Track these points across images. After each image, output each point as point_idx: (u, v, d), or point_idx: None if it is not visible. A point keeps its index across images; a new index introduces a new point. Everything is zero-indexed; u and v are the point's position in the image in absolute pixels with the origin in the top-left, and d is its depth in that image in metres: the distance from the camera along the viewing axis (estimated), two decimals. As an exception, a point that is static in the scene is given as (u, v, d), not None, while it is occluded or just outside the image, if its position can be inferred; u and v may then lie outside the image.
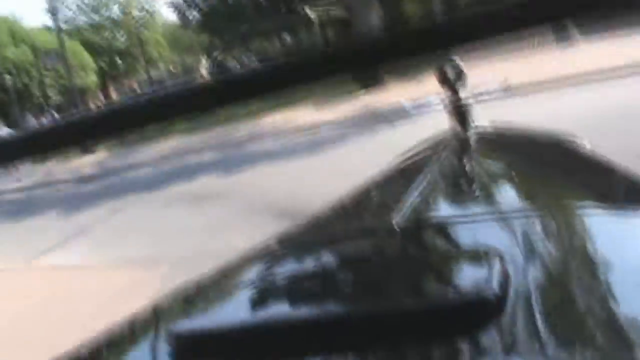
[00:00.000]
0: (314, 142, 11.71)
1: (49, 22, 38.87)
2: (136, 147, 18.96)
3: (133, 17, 64.61)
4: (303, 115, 16.16)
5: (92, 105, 65.88)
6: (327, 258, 1.01)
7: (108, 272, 7.67)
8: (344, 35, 32.74)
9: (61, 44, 23.55)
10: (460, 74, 1.79)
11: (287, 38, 45.99)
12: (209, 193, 9.96)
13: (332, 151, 10.79)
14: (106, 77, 64.03)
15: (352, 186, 1.50)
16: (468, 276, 0.77)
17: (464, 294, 0.70)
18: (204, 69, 42.08)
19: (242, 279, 0.99)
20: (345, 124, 13.12)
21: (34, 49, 36.47)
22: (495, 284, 0.69)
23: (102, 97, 66.95)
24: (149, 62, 65.80)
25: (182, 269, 6.67)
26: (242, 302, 0.87)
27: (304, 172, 9.71)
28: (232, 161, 12.13)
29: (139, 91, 60.64)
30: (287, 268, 0.99)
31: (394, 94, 14.51)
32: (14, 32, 49.92)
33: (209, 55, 43.00)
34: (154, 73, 68.53)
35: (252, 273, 1.01)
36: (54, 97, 45.61)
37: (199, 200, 9.61)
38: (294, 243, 1.18)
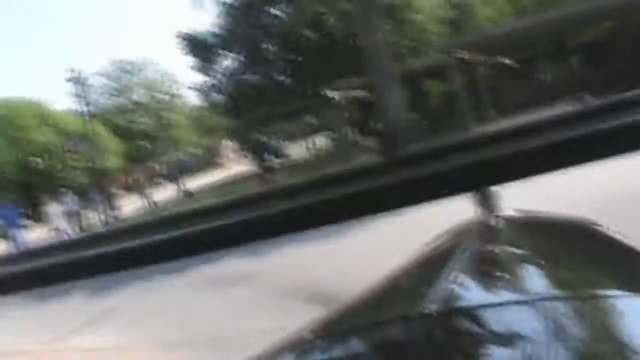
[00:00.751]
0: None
1: (75, 105, 39.56)
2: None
3: (158, 101, 65.70)
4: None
5: (115, 188, 66.78)
6: (362, 348, 1.02)
7: (133, 353, 7.63)
8: (367, 116, 33.05)
9: (85, 127, 23.74)
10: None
11: (310, 119, 46.52)
12: (234, 275, 9.92)
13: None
14: (130, 159, 64.70)
15: (381, 274, 1.52)
16: None
17: None
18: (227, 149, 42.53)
19: None
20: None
21: (58, 132, 36.98)
22: None
23: (125, 180, 67.77)
24: (174, 145, 66.62)
25: (206, 351, 6.64)
26: None
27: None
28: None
29: (162, 173, 61.32)
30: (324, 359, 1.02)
31: None
32: (41, 116, 50.80)
33: (232, 138, 43.45)
34: (177, 155, 69.36)
35: None
36: (78, 178, 46.01)
37: (225, 283, 9.56)
38: (327, 333, 1.18)
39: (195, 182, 39.62)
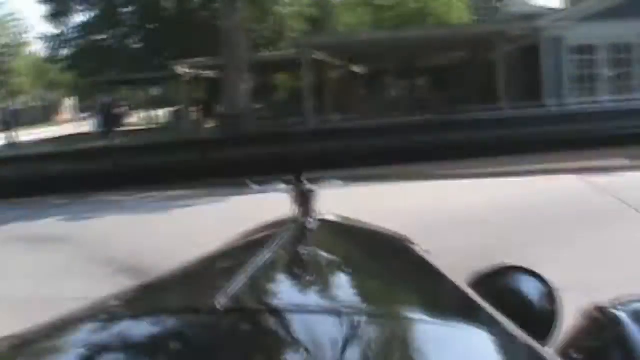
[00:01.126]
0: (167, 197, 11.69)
1: None
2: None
3: (1, 44, 62.74)
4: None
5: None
6: (137, 331, 1.03)
7: None
8: (213, 98, 32.92)
9: None
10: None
11: (154, 91, 45.83)
12: (51, 237, 9.75)
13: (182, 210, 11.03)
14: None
15: (188, 257, 1.51)
16: None
17: None
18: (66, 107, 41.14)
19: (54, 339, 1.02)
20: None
21: None
22: None
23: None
24: (12, 93, 63.88)
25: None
26: None
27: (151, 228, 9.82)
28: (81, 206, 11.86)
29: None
30: (96, 336, 1.02)
31: None
32: None
33: (75, 96, 42.15)
34: (13, 104, 66.42)
35: (65, 335, 1.04)
36: None
37: (40, 244, 9.38)
38: (114, 310, 1.19)
39: (28, 135, 38.10)
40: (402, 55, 31.79)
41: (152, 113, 44.78)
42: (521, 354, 1.16)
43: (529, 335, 1.39)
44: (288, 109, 32.22)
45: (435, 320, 1.11)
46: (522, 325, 1.42)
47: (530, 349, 1.18)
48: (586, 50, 23.72)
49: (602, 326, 1.53)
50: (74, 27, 39.01)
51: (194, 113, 32.99)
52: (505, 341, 1.14)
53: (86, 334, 1.03)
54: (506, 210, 9.28)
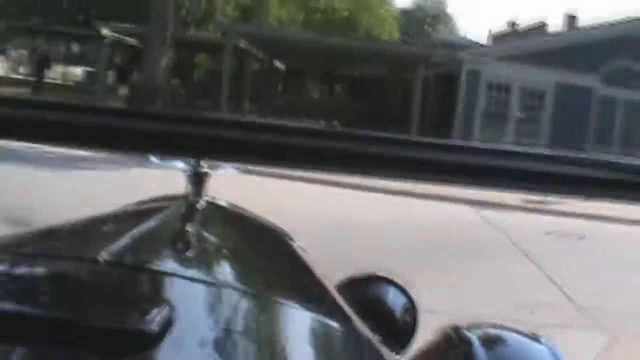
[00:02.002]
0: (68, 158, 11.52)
1: None
2: None
3: None
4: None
5: None
6: (20, 271, 1.08)
7: None
8: (131, 66, 32.44)
9: None
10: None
11: (74, 48, 44.71)
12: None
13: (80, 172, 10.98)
14: None
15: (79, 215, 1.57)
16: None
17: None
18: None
19: None
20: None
21: None
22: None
23: None
24: None
25: None
26: None
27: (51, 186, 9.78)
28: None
29: None
30: None
31: None
32: None
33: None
34: None
35: None
36: None
37: None
38: (11, 250, 1.21)
39: None
40: (325, 60, 32.00)
41: (70, 70, 43.72)
42: (364, 351, 1.25)
43: (385, 342, 1.53)
44: (203, 91, 32.07)
45: (290, 305, 1.19)
46: (381, 333, 1.56)
47: (373, 348, 1.27)
48: (502, 88, 24.35)
49: (453, 344, 1.61)
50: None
51: (110, 77, 32.48)
52: (351, 336, 1.23)
53: None
54: (393, 227, 9.53)
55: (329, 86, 41.05)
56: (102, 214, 1.63)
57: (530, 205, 12.64)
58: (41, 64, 30.92)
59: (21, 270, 1.09)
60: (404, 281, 1.98)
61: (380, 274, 2.00)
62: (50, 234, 1.43)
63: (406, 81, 27.84)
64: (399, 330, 1.87)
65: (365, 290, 1.92)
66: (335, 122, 27.50)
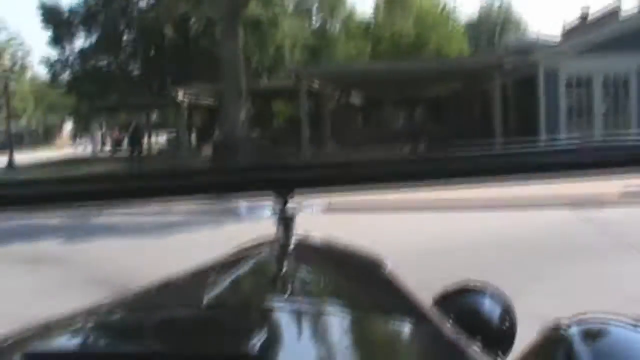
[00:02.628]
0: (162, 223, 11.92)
1: None
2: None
3: (4, 68, 62.85)
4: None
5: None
6: (133, 320, 1.18)
7: None
8: (210, 124, 33.03)
9: None
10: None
11: (153, 116, 45.94)
12: (47, 257, 9.83)
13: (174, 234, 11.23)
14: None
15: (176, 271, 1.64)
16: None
17: None
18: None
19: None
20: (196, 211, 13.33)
21: None
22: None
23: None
24: (12, 115, 63.88)
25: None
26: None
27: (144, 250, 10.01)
28: (77, 228, 11.99)
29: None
30: (98, 324, 1.17)
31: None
32: None
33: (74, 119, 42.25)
34: (14, 126, 66.43)
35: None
36: None
37: (36, 263, 9.43)
38: (115, 305, 1.32)
39: (26, 157, 38.07)
40: (399, 86, 31.93)
41: (152, 138, 44.97)
42: None
43: (487, 349, 1.55)
44: (284, 138, 32.30)
45: (387, 327, 1.23)
46: (481, 340, 1.60)
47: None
48: (582, 82, 23.72)
49: (554, 344, 1.60)
50: (75, 52, 39.19)
51: (190, 140, 33.11)
52: (451, 352, 1.24)
53: (92, 322, 1.17)
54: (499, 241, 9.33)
55: (408, 112, 40.92)
56: (199, 267, 1.70)
57: (627, 200, 12.19)
58: (134, 137, 31.71)
59: (133, 319, 1.20)
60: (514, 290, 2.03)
61: (476, 283, 2.00)
62: (158, 289, 1.52)
63: (484, 92, 27.46)
64: (499, 336, 1.86)
65: (463, 300, 1.94)
66: (420, 146, 27.44)
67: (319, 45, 42.74)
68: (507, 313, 1.92)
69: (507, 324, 1.90)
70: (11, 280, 8.59)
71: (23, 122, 71.69)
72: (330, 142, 27.75)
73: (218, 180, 1.07)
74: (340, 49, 44.34)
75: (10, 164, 31.71)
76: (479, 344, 1.56)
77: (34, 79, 66.68)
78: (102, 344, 1.06)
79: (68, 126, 67.04)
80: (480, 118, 27.16)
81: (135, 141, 31.53)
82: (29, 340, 1.10)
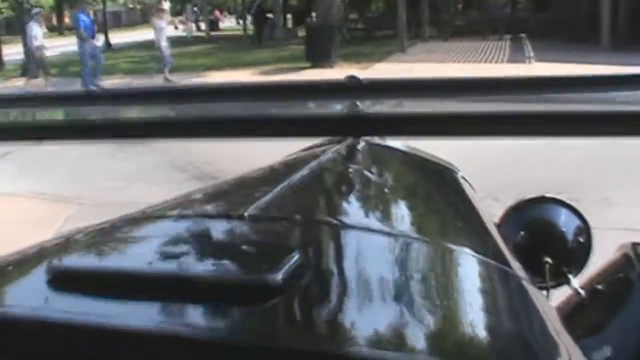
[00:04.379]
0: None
1: None
2: (79, 80, 18.61)
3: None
4: (242, 78, 16.22)
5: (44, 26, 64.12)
6: (175, 230, 1.13)
7: (16, 202, 7.54)
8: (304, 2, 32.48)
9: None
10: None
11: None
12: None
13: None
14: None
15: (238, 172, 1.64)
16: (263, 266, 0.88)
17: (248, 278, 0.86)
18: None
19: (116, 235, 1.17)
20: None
21: None
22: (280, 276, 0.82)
23: (55, 20, 65.48)
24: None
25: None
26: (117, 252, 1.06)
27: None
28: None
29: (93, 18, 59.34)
30: (144, 231, 1.18)
31: (338, 75, 14.76)
32: None
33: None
34: (110, 4, 67.07)
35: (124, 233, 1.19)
36: (5, 10, 43.96)
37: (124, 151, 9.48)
38: (161, 212, 1.30)
39: (122, 38, 38.39)
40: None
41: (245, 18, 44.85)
42: (517, 294, 1.19)
43: (561, 265, 1.66)
44: (381, 22, 31.63)
45: (439, 246, 1.20)
46: (555, 255, 1.67)
47: (527, 291, 1.20)
48: None
49: (631, 261, 1.58)
50: None
51: (286, 22, 32.68)
52: (504, 278, 1.18)
53: (138, 231, 1.19)
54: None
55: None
56: (262, 168, 1.69)
57: None
58: (258, 17, 30.75)
59: (169, 230, 1.15)
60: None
61: (551, 195, 1.92)
62: (210, 193, 1.53)
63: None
64: (574, 251, 1.83)
65: (537, 213, 1.90)
66: (522, 35, 26.51)
67: None
68: (583, 231, 1.85)
69: (581, 240, 1.84)
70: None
71: (120, 1, 72.32)
72: (427, 28, 26.98)
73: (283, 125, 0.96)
74: None
75: (108, 44, 31.95)
76: (549, 260, 1.63)
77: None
78: (126, 258, 1.03)
79: (166, 5, 67.22)
80: (587, 8, 25.65)
81: (261, 20, 30.43)
82: (59, 251, 1.08)
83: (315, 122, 0.98)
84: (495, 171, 7.09)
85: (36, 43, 17.13)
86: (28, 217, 6.82)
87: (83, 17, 16.36)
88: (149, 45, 21.87)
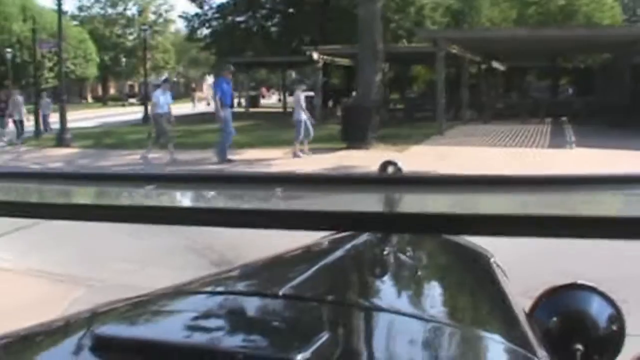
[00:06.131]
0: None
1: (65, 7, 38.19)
2: (112, 151, 18.56)
3: (147, 19, 64.54)
4: (273, 155, 15.99)
5: (89, 96, 65.52)
6: (213, 306, 1.19)
7: (24, 279, 7.26)
8: (346, 83, 32.55)
9: (59, 28, 22.53)
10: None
11: (292, 73, 45.97)
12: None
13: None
14: (107, 71, 63.84)
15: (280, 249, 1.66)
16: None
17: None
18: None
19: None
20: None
21: (35, 29, 35.03)
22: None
23: (100, 90, 66.81)
24: (155, 68, 65.87)
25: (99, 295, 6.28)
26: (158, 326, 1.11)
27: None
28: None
29: (137, 91, 60.44)
30: (183, 307, 1.20)
31: (373, 157, 14.65)
32: (25, 7, 49.44)
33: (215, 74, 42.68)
34: (154, 78, 68.38)
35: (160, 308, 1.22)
36: (51, 80, 44.63)
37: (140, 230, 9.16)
38: (195, 291, 1.32)
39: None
40: (544, 54, 30.49)
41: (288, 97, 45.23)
42: None
43: (593, 353, 1.65)
44: (422, 103, 31.51)
45: (466, 331, 1.21)
46: (586, 344, 1.63)
47: None
48: None
49: None
50: (214, 7, 39.46)
51: (326, 101, 32.60)
52: None
53: (174, 305, 1.22)
54: None
55: (552, 82, 39.15)
56: (296, 248, 1.69)
57: None
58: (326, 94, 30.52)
59: (203, 305, 1.20)
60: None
61: (584, 282, 1.85)
62: (243, 271, 1.58)
63: (635, 66, 25.50)
64: (606, 340, 1.76)
65: (568, 300, 1.84)
66: (563, 119, 26.19)
67: (461, 9, 41.48)
68: (616, 319, 1.79)
69: (614, 328, 1.77)
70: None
71: (165, 74, 73.78)
72: (468, 112, 26.73)
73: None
74: (484, 13, 42.92)
75: (146, 118, 32.17)
76: (580, 348, 1.60)
77: (176, 33, 68.06)
78: (163, 331, 1.05)
79: (209, 80, 68.45)
80: (630, 94, 25.27)
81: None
82: (97, 321, 1.09)
83: (347, 216, 0.92)
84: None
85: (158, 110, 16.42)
86: (31, 297, 6.49)
87: (224, 83, 15.88)
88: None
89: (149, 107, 20.60)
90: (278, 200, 1.06)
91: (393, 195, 1.05)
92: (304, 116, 16.84)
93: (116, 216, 1.05)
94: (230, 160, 15.79)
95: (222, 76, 16.18)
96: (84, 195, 1.24)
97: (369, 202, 1.10)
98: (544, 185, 1.04)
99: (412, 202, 1.08)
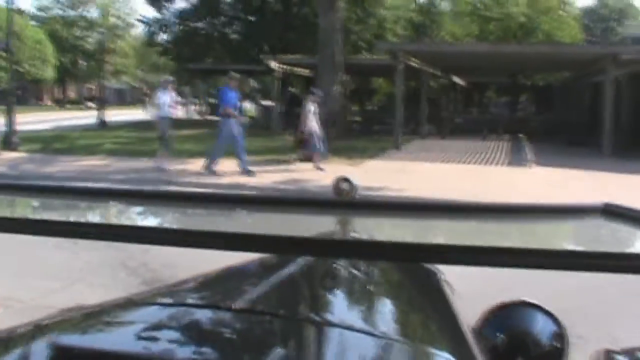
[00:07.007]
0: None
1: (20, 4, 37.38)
2: (60, 157, 17.96)
3: (109, 22, 63.73)
4: (227, 169, 15.53)
5: (46, 98, 64.51)
6: (164, 318, 1.16)
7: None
8: (305, 91, 32.28)
9: (9, 29, 21.90)
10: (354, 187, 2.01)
11: (253, 82, 45.58)
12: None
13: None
14: (66, 74, 62.99)
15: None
16: None
17: None
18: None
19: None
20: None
21: None
22: None
23: (60, 93, 65.84)
24: (114, 72, 65.13)
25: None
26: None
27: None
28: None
29: (96, 95, 59.64)
30: (133, 319, 1.19)
31: (325, 172, 14.32)
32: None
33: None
34: (113, 82, 67.62)
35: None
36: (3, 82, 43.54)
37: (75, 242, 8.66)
38: (151, 302, 1.31)
39: (119, 115, 38.19)
40: (505, 70, 30.44)
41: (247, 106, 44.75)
42: None
43: None
44: (381, 116, 31.29)
45: (412, 347, 1.24)
46: (530, 359, 1.74)
47: None
48: None
49: None
50: (173, 13, 38.91)
51: (286, 110, 32.28)
52: None
53: (131, 316, 1.21)
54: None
55: (512, 98, 39.27)
56: (251, 261, 1.67)
57: None
58: (291, 103, 30.11)
59: (157, 317, 1.17)
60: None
61: (528, 300, 1.89)
62: (202, 284, 1.57)
63: (594, 85, 25.46)
64: (548, 357, 1.80)
65: (514, 317, 1.86)
66: (520, 136, 26.13)
67: (423, 23, 41.44)
68: (560, 336, 1.83)
69: (557, 346, 1.81)
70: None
71: (125, 78, 72.97)
72: (427, 126, 26.55)
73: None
74: (445, 28, 42.92)
75: (102, 123, 31.67)
76: None
77: (137, 37, 67.28)
78: (120, 341, 1.05)
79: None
80: (588, 111, 25.25)
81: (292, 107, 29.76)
82: (54, 330, 1.10)
83: (297, 241, 0.95)
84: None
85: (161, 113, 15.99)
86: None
87: (229, 92, 15.41)
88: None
89: (150, 110, 19.90)
90: (231, 222, 1.08)
91: (346, 220, 1.07)
92: (315, 127, 16.44)
93: (73, 232, 1.04)
94: (214, 172, 15.27)
95: (227, 85, 15.80)
96: (40, 208, 1.22)
97: (322, 226, 1.15)
98: (494, 213, 1.08)
99: (364, 228, 1.14)
